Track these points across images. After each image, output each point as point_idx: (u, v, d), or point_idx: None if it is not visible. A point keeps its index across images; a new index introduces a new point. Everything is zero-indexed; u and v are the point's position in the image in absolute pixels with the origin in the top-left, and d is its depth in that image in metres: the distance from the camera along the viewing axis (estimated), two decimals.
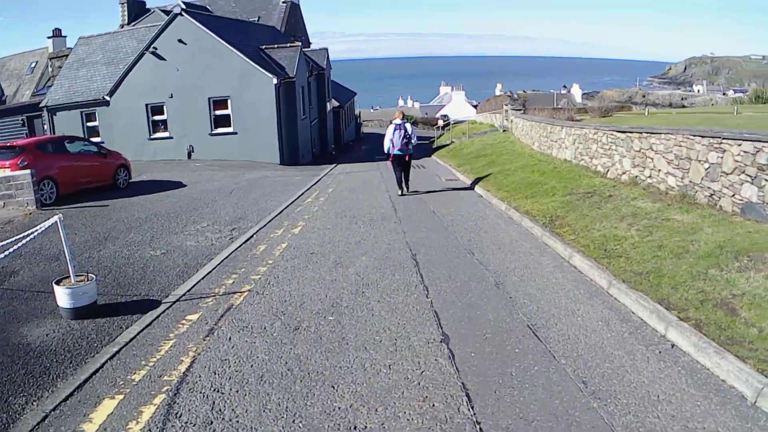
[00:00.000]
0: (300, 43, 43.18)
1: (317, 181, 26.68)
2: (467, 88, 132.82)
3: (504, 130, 42.53)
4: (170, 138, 38.58)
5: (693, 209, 12.84)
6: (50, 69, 53.18)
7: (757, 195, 11.41)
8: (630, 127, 18.01)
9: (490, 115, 58.61)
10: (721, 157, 12.67)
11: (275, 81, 35.84)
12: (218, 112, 37.67)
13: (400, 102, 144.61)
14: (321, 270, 11.25)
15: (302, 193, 22.51)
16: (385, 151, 21.23)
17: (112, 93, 38.81)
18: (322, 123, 51.90)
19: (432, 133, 63.16)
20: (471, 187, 22.84)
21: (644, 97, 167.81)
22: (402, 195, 20.94)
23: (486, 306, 8.95)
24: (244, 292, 10.05)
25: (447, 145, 46.27)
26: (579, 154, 21.78)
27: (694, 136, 13.84)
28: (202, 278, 10.94)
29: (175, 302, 9.59)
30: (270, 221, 16.79)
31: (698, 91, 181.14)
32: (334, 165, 37.50)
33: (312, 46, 60.13)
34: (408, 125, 20.91)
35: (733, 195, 12.21)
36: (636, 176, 17.01)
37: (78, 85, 41.80)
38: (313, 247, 13.33)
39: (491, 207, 18.22)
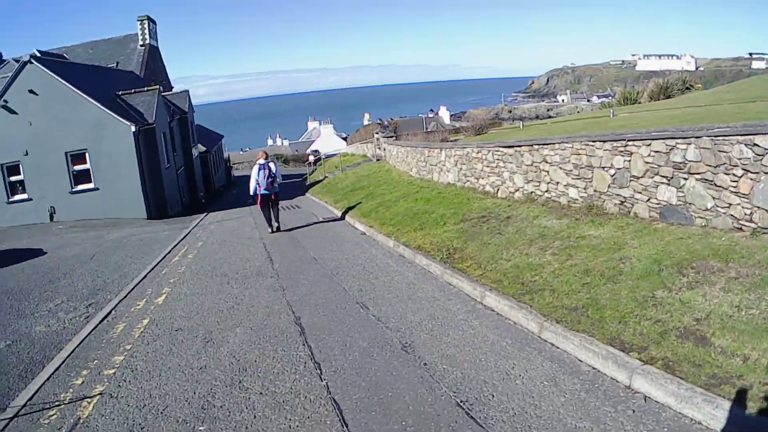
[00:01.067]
0: (159, 86, 40.46)
1: (186, 235, 24.73)
2: (335, 121, 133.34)
3: (378, 159, 41.62)
4: (29, 200, 35.01)
5: (606, 221, 11.88)
6: None
7: (677, 196, 10.66)
8: (518, 140, 16.92)
9: (361, 146, 57.84)
10: (629, 161, 11.88)
11: (133, 129, 33.25)
12: (77, 168, 34.48)
13: (269, 141, 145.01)
14: (188, 353, 9.32)
15: (169, 251, 20.53)
16: (251, 193, 21.49)
17: None
18: (189, 170, 49.08)
19: (305, 170, 61.54)
20: (351, 224, 21.48)
21: (510, 112, 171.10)
22: (273, 233, 21.34)
23: (398, 383, 7.27)
24: (94, 396, 7.97)
25: (320, 180, 44.67)
26: (463, 176, 20.71)
27: (594, 141, 12.97)
28: (48, 379, 8.81)
29: (11, 420, 7.50)
30: (132, 290, 14.76)
31: (563, 100, 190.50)
32: (205, 214, 35.33)
33: (174, 90, 57.55)
34: (272, 164, 21.10)
35: (649, 199, 11.45)
36: (531, 192, 16.04)
37: None
38: (179, 320, 11.40)
39: (378, 245, 16.82)
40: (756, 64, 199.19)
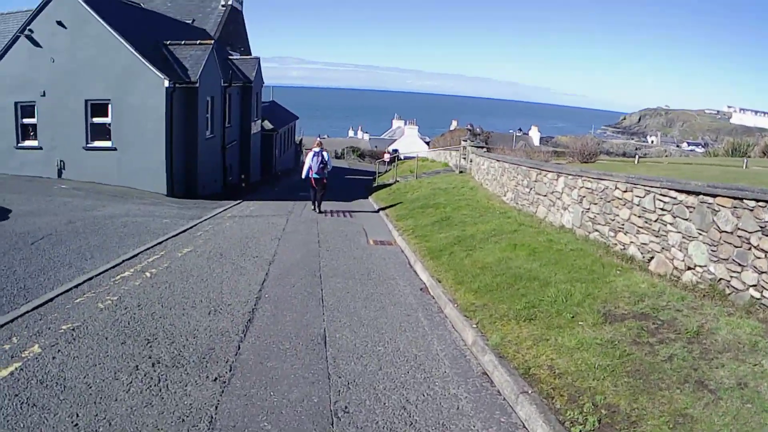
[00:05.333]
0: (212, 42, 33.98)
1: (183, 231, 18.20)
2: (421, 124, 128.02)
3: (461, 171, 34.89)
4: (39, 149, 29.83)
5: None
6: None
7: None
8: (709, 185, 9.60)
9: (444, 152, 50.86)
10: None
11: (167, 83, 27.13)
12: (96, 120, 28.88)
13: (350, 132, 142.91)
14: None
15: (131, 257, 13.97)
16: (302, 176, 24.61)
17: None
18: (244, 147, 43.45)
19: (377, 168, 55.32)
20: (410, 264, 14.76)
21: (599, 145, 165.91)
22: (316, 212, 24.10)
23: None
24: None
25: (390, 185, 37.56)
26: (590, 221, 13.95)
27: None
28: None
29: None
30: None
31: (652, 141, 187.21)
32: (237, 202, 28.65)
33: (266, 70, 51.01)
34: (325, 153, 24.03)
35: None
36: (720, 280, 9.13)
37: None
38: None
39: (444, 326, 9.99)
40: None
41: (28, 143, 30.12)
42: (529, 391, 6.75)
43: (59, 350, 7.90)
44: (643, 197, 11.34)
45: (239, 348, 8.32)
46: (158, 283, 11.52)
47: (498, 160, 23.80)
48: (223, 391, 6.94)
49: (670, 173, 20.93)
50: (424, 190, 28.47)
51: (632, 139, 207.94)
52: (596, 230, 13.38)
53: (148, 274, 12.18)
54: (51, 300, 10.08)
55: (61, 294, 10.45)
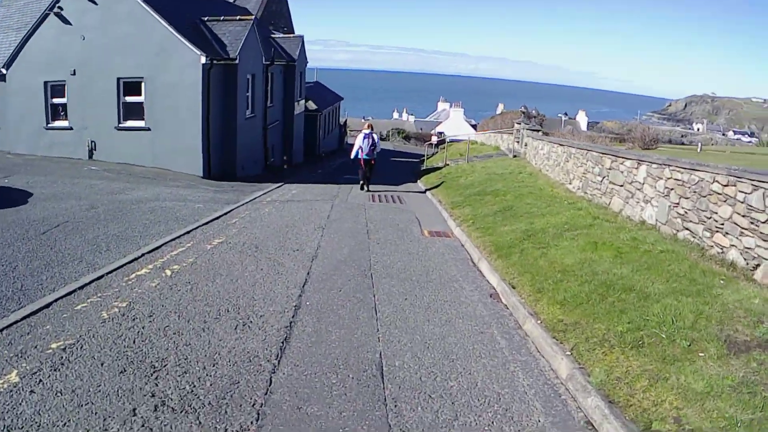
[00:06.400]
0: (253, 17, 32.10)
1: (216, 218, 16.35)
2: (466, 107, 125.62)
3: (515, 156, 32.58)
4: (70, 129, 28.52)
5: None
6: None
7: None
8: None
9: (494, 135, 48.65)
10: None
11: (203, 60, 25.36)
12: (129, 99, 27.29)
13: (395, 114, 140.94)
14: None
15: (152, 250, 12.16)
16: (352, 157, 25.53)
17: (8, 65, 28.90)
18: (287, 127, 41.78)
19: (424, 151, 53.32)
20: (474, 262, 12.71)
21: (635, 130, 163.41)
22: (363, 191, 24.71)
23: None
24: None
25: (439, 168, 35.42)
26: (679, 218, 11.81)
27: None
28: None
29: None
30: None
31: (698, 129, 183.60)
32: (278, 185, 26.83)
33: (310, 52, 49.08)
34: (375, 135, 25.00)
35: None
36: None
37: None
38: None
39: (528, 351, 8.01)
40: None
41: (58, 123, 28.99)
42: None
43: (40, 380, 6.21)
44: (750, 193, 9.22)
45: (271, 382, 6.42)
46: (178, 285, 9.72)
47: (561, 144, 21.68)
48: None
49: (740, 163, 18.76)
50: (477, 174, 26.42)
51: (678, 126, 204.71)
52: (686, 228, 11.28)
53: (168, 272, 10.41)
54: (47, 306, 8.43)
55: (61, 298, 8.78)
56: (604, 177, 16.03)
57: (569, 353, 7.21)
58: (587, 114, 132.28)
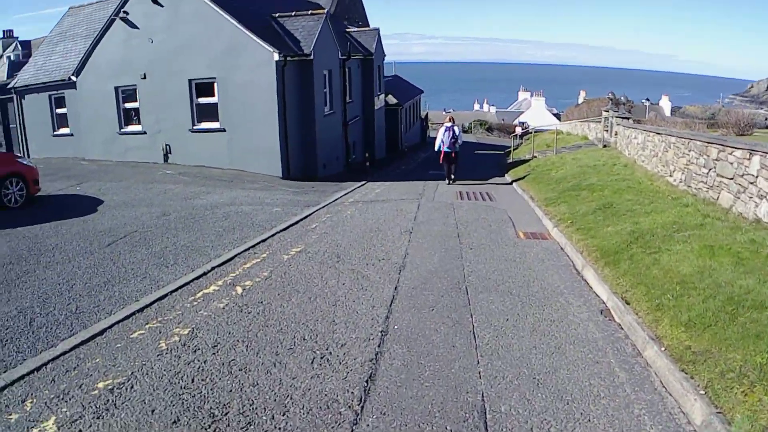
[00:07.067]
0: (325, 10, 30.98)
1: (295, 222, 15.28)
2: (546, 96, 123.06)
3: (605, 145, 31.04)
4: (143, 133, 28.29)
5: None
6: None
7: None
8: None
9: (580, 125, 46.93)
10: None
11: (277, 56, 24.42)
12: (202, 100, 26.76)
13: (476, 106, 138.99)
14: None
15: (223, 262, 11.11)
16: (435, 149, 25.80)
17: (78, 72, 28.99)
18: (367, 123, 40.78)
19: (508, 142, 51.96)
20: (581, 275, 11.06)
21: (728, 114, 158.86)
22: (449, 184, 25.11)
23: None
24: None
25: (527, 160, 33.86)
26: None
27: None
28: None
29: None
30: None
31: None
32: (361, 184, 25.77)
33: (387, 46, 48.08)
34: (456, 128, 25.21)
35: None
36: None
37: (51, 62, 33.49)
38: None
39: (653, 387, 6.52)
40: None
41: (131, 128, 28.96)
42: None
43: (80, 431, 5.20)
44: None
45: None
46: (249, 305, 8.61)
47: (658, 133, 19.95)
48: None
49: None
50: (568, 167, 24.93)
51: (761, 108, 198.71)
52: None
53: (239, 290, 9.34)
54: (101, 333, 7.53)
55: (118, 323, 7.85)
56: (710, 169, 14.39)
57: (702, 392, 5.81)
58: (670, 99, 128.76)
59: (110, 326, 7.65)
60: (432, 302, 8.93)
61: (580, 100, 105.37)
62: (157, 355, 6.77)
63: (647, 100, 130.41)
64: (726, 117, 47.28)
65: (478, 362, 6.87)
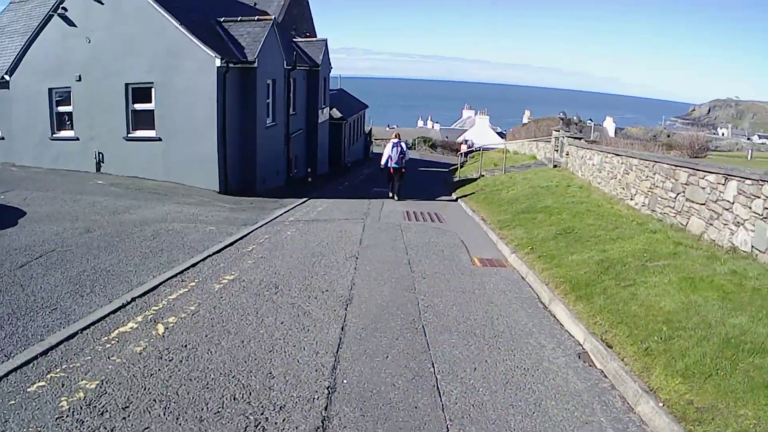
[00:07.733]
0: (272, 17, 29.77)
1: (230, 243, 13.99)
2: (490, 114, 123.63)
3: (555, 165, 30.57)
4: (76, 139, 26.65)
5: None
6: None
7: None
8: None
9: (528, 144, 46.84)
10: None
11: (218, 62, 23.11)
12: (139, 107, 25.27)
13: (420, 122, 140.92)
14: None
15: (146, 291, 9.78)
16: (382, 165, 26.23)
17: (12, 71, 27.16)
18: (310, 136, 39.65)
19: (452, 160, 51.42)
20: (551, 312, 9.96)
21: (669, 137, 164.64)
22: (393, 199, 25.57)
23: None
24: None
25: (474, 179, 33.21)
26: None
27: None
28: None
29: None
30: None
31: (723, 134, 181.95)
32: (302, 201, 24.44)
33: (333, 60, 47.22)
34: (403, 144, 26.11)
35: None
36: None
37: None
38: None
39: None
40: None
41: (63, 133, 27.23)
42: None
43: None
44: None
45: None
46: (171, 350, 7.34)
47: (617, 155, 19.33)
48: None
49: None
50: (520, 187, 24.12)
51: (702, 131, 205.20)
52: None
53: (161, 329, 8.06)
54: None
55: (13, 371, 6.56)
56: (678, 193, 13.77)
57: None
58: (614, 120, 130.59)
59: (6, 374, 6.39)
60: (386, 347, 7.80)
61: (525, 120, 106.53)
62: (56, 419, 5.51)
63: (590, 120, 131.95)
64: (680, 139, 48.00)
65: (448, 429, 5.76)
